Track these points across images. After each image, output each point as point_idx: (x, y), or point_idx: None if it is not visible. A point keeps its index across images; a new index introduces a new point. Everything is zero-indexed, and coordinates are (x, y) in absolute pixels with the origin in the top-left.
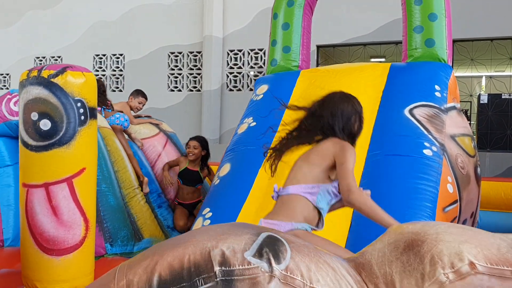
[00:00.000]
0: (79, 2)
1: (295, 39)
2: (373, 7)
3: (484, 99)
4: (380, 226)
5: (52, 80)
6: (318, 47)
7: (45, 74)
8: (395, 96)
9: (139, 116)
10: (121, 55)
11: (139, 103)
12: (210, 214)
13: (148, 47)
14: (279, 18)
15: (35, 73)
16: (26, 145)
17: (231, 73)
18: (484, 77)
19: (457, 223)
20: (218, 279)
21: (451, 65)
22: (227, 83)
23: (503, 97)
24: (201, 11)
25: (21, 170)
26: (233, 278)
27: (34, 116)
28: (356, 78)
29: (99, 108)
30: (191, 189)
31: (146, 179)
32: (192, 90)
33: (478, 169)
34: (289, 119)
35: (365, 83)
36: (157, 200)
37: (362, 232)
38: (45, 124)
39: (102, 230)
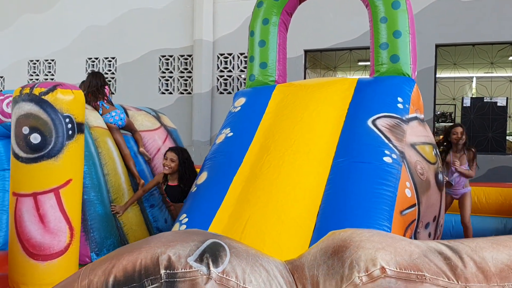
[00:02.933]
0: (72, 6)
1: (271, 56)
2: (359, 13)
3: (467, 103)
4: (341, 226)
5: (43, 97)
6: (306, 51)
7: (36, 91)
8: (360, 108)
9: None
10: (113, 58)
11: None
12: (186, 219)
13: (140, 50)
14: (255, 36)
15: (27, 90)
16: (17, 157)
17: (221, 76)
18: (475, 79)
19: (416, 225)
20: (162, 281)
21: (415, 78)
22: (217, 86)
23: (485, 100)
24: (192, 16)
25: (12, 180)
26: (175, 280)
27: (25, 130)
28: (326, 92)
29: (97, 102)
30: (180, 205)
31: (142, 181)
32: (182, 93)
33: (440, 175)
34: (264, 130)
35: (334, 96)
36: (149, 200)
37: (326, 233)
38: (35, 138)
39: (88, 239)
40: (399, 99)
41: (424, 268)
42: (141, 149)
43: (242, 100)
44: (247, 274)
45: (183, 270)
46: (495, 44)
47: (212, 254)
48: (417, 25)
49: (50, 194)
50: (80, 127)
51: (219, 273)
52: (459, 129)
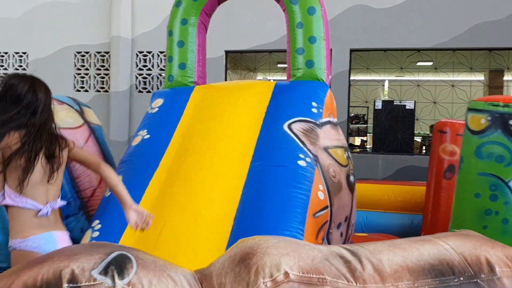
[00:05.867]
0: None
1: (190, 56)
2: (278, 16)
3: (379, 105)
4: (257, 230)
5: None
6: (227, 52)
7: None
8: (277, 112)
9: None
10: (24, 53)
11: None
12: (100, 226)
13: (53, 46)
14: (174, 36)
15: None
16: None
17: (140, 74)
18: (387, 82)
19: (329, 226)
20: None
21: (328, 82)
22: (136, 84)
23: (395, 103)
24: (109, 11)
25: None
26: None
27: None
28: (244, 94)
29: None
30: None
31: None
32: (99, 91)
33: (351, 177)
34: (182, 132)
35: (252, 99)
36: (64, 210)
37: (242, 237)
38: None
39: None
40: (314, 103)
41: (325, 271)
42: None
43: (159, 101)
44: (154, 285)
45: (86, 284)
46: (404, 50)
47: (118, 266)
48: (333, 30)
49: None
50: None
51: (124, 284)
52: None
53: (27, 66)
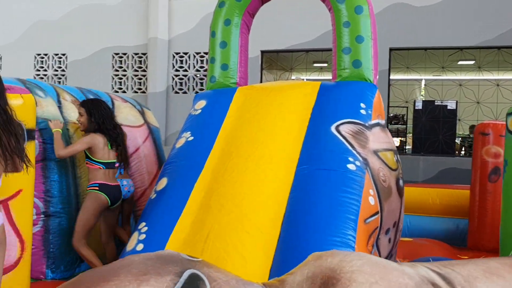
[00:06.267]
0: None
1: (232, 57)
2: (315, 15)
3: (419, 105)
4: (307, 235)
5: None
6: (262, 52)
7: None
8: (324, 114)
9: None
10: (63, 55)
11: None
12: (146, 228)
13: (92, 47)
14: (217, 37)
15: None
16: None
17: (176, 75)
18: (423, 81)
19: (379, 232)
20: None
21: (376, 83)
22: (172, 85)
23: (436, 103)
24: (146, 13)
25: None
26: None
27: None
28: (288, 95)
29: None
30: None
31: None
32: (137, 92)
33: (400, 181)
34: (225, 134)
35: (296, 100)
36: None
37: (291, 242)
38: None
39: (46, 255)
40: (362, 105)
41: None
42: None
43: (202, 103)
44: None
45: None
46: (446, 49)
47: None
48: None
49: None
50: (30, 134)
51: None
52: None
53: (66, 67)
